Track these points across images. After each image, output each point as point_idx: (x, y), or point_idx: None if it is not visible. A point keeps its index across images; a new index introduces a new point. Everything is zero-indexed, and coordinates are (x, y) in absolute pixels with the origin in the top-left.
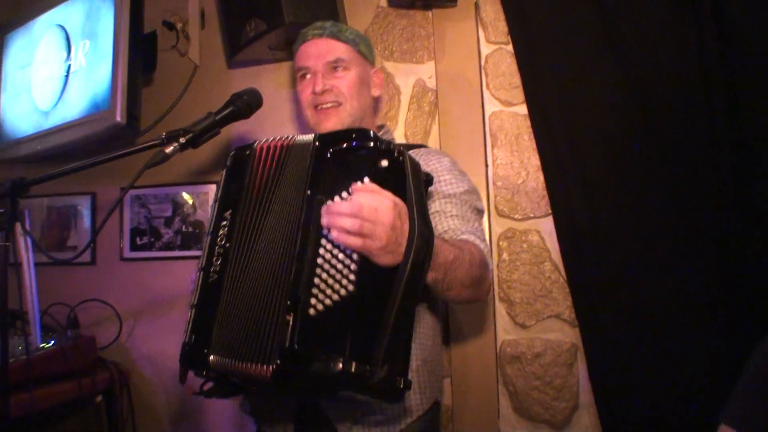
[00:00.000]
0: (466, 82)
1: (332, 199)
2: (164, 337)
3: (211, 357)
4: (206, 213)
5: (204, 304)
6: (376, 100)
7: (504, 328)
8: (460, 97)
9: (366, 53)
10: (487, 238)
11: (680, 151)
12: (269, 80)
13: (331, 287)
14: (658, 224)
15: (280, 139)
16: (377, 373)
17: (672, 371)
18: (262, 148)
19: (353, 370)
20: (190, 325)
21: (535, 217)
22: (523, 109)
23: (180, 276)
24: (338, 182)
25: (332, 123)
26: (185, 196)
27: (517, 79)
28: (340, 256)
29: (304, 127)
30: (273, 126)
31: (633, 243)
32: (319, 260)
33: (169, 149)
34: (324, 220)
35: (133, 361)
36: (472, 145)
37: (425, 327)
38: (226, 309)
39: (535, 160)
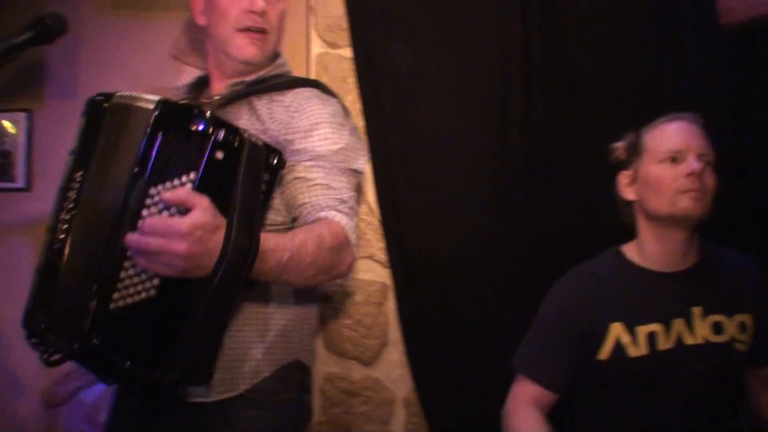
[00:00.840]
0: (292, 21)
1: (155, 185)
2: None
3: (50, 336)
4: (14, 142)
5: (47, 272)
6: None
7: None
8: (286, 35)
9: None
10: None
11: (494, 105)
12: (90, 3)
13: (135, 287)
14: (471, 167)
15: (131, 96)
16: (169, 376)
17: (475, 310)
18: (117, 105)
19: (140, 374)
20: (33, 291)
21: None
22: (348, 53)
23: None
24: (167, 167)
25: (256, 50)
26: (5, 123)
27: (344, 22)
28: None
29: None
30: (92, 53)
31: (446, 187)
32: (129, 253)
33: None
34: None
35: None
36: None
37: (284, 291)
38: (63, 282)
39: (358, 104)
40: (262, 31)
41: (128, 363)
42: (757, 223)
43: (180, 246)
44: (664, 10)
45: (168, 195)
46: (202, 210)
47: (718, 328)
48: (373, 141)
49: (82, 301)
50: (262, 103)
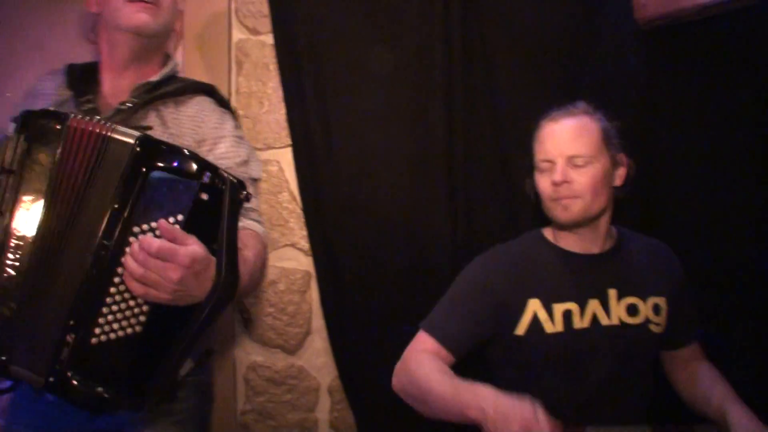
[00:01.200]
0: (213, 8)
1: (138, 225)
2: None
3: (15, 368)
4: None
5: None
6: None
7: None
8: (207, 22)
9: None
10: None
11: (416, 95)
12: None
13: (119, 322)
14: (393, 155)
15: (97, 123)
16: (149, 401)
17: (398, 298)
18: (77, 129)
19: (127, 406)
20: None
21: (275, 148)
22: (270, 39)
23: None
24: (151, 207)
25: (148, 17)
26: None
27: (266, 8)
28: None
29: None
30: (5, 32)
31: (368, 175)
32: (112, 289)
33: None
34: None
35: None
36: (216, 72)
37: None
38: (24, 312)
39: (279, 91)
40: (152, 3)
41: (108, 395)
42: (668, 215)
43: (177, 273)
44: (582, 3)
45: (160, 231)
46: (198, 245)
47: (632, 310)
48: (295, 128)
49: (57, 335)
50: (168, 112)
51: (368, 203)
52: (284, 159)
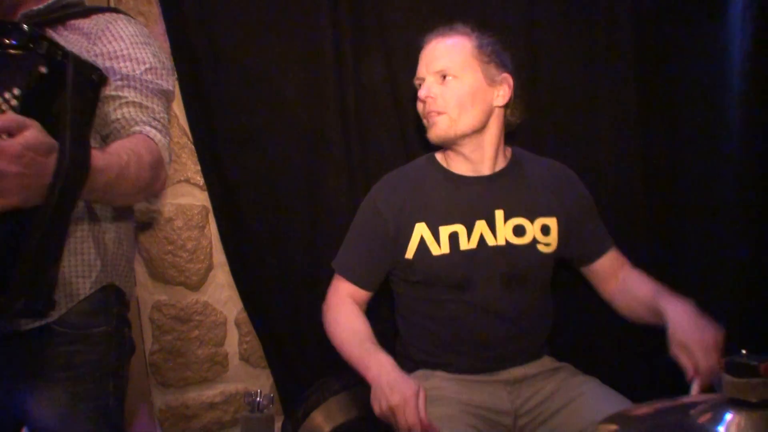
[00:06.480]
0: None
1: None
2: None
3: None
4: None
5: None
6: None
7: None
8: None
9: None
10: None
11: (307, 32)
12: None
13: None
14: (285, 88)
15: None
16: (15, 305)
17: (296, 226)
18: None
19: None
20: None
21: None
22: None
23: None
24: None
25: None
26: None
27: None
28: None
29: None
30: None
31: (259, 103)
32: None
33: None
34: None
35: None
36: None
37: (112, 215)
38: None
39: (161, 23)
40: None
41: None
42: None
43: (12, 168)
44: None
45: None
46: (34, 130)
47: (519, 231)
48: (180, 57)
49: None
50: (57, 32)
51: (262, 134)
52: None
